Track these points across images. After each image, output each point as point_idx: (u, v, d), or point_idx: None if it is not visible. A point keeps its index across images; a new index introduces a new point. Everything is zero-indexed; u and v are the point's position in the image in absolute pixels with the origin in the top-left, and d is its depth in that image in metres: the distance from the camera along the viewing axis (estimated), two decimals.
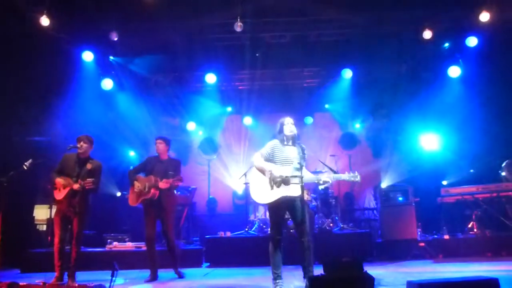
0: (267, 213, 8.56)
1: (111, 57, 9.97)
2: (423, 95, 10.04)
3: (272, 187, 5.13)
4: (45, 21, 7.92)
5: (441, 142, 10.36)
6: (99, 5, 8.06)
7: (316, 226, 8.42)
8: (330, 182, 5.32)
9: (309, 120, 11.41)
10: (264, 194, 5.20)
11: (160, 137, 6.84)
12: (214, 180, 11.63)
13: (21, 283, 5.07)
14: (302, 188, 5.08)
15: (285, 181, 5.11)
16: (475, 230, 8.25)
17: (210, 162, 11.74)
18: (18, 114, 8.63)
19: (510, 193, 8.11)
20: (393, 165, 10.62)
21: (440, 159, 10.20)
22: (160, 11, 8.27)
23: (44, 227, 8.88)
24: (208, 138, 11.94)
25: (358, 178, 5.23)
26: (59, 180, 6.15)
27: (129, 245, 8.27)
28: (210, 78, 10.35)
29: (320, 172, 8.42)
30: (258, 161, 5.32)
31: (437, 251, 7.86)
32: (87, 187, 6.00)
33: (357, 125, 11.76)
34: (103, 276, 6.27)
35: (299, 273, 5.32)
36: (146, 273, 6.57)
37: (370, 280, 4.32)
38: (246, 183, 9.41)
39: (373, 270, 4.88)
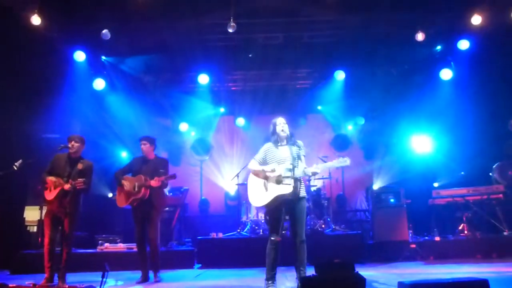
0: (259, 214, 8.66)
1: (103, 57, 9.91)
2: (415, 98, 10.10)
3: (266, 189, 5.19)
4: (36, 20, 7.83)
5: (432, 144, 10.43)
6: (91, 4, 8.01)
7: (308, 227, 8.41)
8: (319, 171, 5.30)
9: (301, 121, 11.43)
10: (260, 197, 5.26)
11: (143, 138, 6.65)
12: (207, 181, 11.63)
13: (10, 285, 5.03)
14: (296, 188, 5.09)
15: (278, 180, 5.15)
16: (465, 232, 8.29)
17: (203, 163, 11.74)
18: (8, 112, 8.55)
19: (500, 195, 8.17)
20: (385, 167, 10.68)
21: (431, 161, 10.27)
22: (153, 11, 8.22)
23: (35, 228, 8.79)
24: (200, 139, 11.93)
25: (347, 162, 5.20)
26: (51, 179, 6.10)
27: (121, 246, 8.23)
28: (203, 79, 10.32)
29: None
30: (253, 166, 5.40)
31: (428, 253, 7.88)
32: (78, 187, 5.96)
33: (350, 127, 11.81)
34: (94, 277, 6.24)
35: (291, 274, 5.36)
36: (138, 274, 6.52)
37: (362, 281, 4.34)
38: (238, 184, 9.43)
39: (364, 271, 4.91)
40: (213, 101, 11.47)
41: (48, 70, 8.73)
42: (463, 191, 8.48)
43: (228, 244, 8.30)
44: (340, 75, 10.29)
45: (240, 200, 9.53)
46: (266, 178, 5.25)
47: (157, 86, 10.80)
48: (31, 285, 5.58)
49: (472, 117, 9.30)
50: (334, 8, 8.33)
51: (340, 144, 11.58)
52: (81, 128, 8.91)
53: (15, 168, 6.02)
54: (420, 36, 8.72)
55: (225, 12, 8.33)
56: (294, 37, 9.55)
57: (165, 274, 7.17)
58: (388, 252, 8.04)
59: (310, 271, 4.67)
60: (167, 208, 8.86)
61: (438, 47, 9.76)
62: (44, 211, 6.72)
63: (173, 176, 6.35)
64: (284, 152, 5.30)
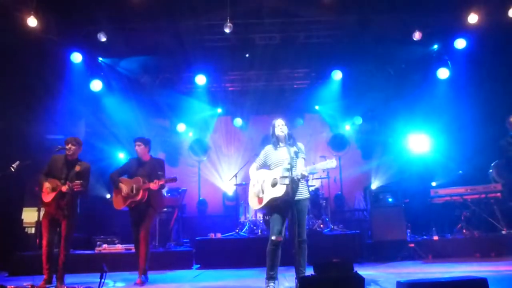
0: (258, 215, 8.66)
1: (100, 58, 9.90)
2: (412, 97, 10.13)
3: (262, 192, 5.29)
4: (32, 21, 7.81)
5: (430, 144, 10.44)
6: (88, 5, 7.99)
7: (307, 227, 8.35)
8: (307, 174, 5.28)
9: (299, 121, 11.43)
10: (257, 200, 5.37)
11: (138, 139, 6.58)
12: (205, 182, 11.62)
13: (9, 286, 5.04)
14: (295, 187, 5.13)
15: (273, 183, 5.23)
16: (464, 231, 8.30)
17: (200, 164, 11.72)
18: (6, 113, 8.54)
19: (498, 194, 8.15)
20: (383, 167, 10.68)
21: (429, 160, 10.28)
22: (150, 12, 8.23)
23: (33, 230, 8.76)
24: (198, 140, 11.92)
25: (334, 164, 5.16)
26: (47, 185, 6.09)
27: (119, 247, 8.20)
28: (200, 80, 10.30)
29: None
30: (252, 171, 5.56)
31: (427, 252, 7.89)
32: (75, 189, 5.93)
33: (347, 127, 11.81)
34: (92, 279, 6.25)
35: (290, 274, 5.35)
36: (136, 275, 6.46)
37: (360, 280, 4.34)
38: (236, 185, 9.42)
39: (363, 271, 4.92)
40: (210, 101, 11.46)
41: (45, 72, 8.70)
42: (461, 190, 8.47)
43: (227, 245, 8.28)
44: (337, 75, 10.29)
45: (238, 201, 9.53)
46: (263, 181, 5.32)
47: (154, 87, 10.76)
48: (29, 286, 5.59)
49: (470, 115, 9.31)
50: (331, 8, 8.33)
51: (338, 144, 11.59)
52: (79, 130, 8.89)
53: (13, 170, 6.01)
54: (417, 35, 8.73)
55: (222, 13, 8.33)
56: (291, 37, 9.55)
57: (163, 275, 7.20)
58: (387, 252, 8.02)
59: (309, 271, 4.67)
60: (165, 209, 8.89)
61: (435, 46, 9.77)
62: (42, 213, 6.70)
63: (174, 179, 6.31)
64: (283, 153, 5.33)
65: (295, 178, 5.12)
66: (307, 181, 5.53)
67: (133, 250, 6.67)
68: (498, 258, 7.37)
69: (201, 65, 10.15)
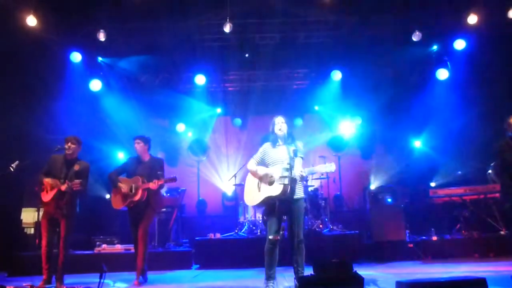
0: (257, 215, 8.65)
1: (100, 58, 9.89)
2: (412, 97, 10.16)
3: (259, 189, 5.26)
4: (32, 21, 7.80)
5: (429, 144, 10.44)
6: (87, 5, 7.98)
7: (306, 227, 8.40)
8: (305, 175, 5.27)
9: (298, 121, 11.43)
10: (253, 196, 5.34)
11: (138, 137, 6.53)
12: (204, 182, 11.60)
13: (8, 287, 5.01)
14: (293, 187, 5.12)
15: (270, 182, 5.20)
16: (463, 231, 8.31)
17: (200, 164, 11.70)
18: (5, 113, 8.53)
19: (497, 194, 8.16)
20: (382, 167, 10.68)
21: (428, 160, 10.28)
22: (149, 11, 8.23)
23: (32, 230, 8.74)
24: (197, 140, 11.90)
25: (333, 168, 5.14)
26: (47, 180, 6.07)
27: (118, 248, 8.17)
28: (200, 79, 10.28)
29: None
30: (250, 166, 5.46)
31: (426, 252, 7.88)
32: (74, 188, 5.92)
33: (347, 127, 11.78)
34: (91, 279, 6.24)
35: (289, 274, 5.36)
36: (135, 275, 6.48)
37: (360, 280, 4.35)
38: (235, 185, 9.42)
39: (362, 271, 4.92)
40: (210, 101, 11.45)
41: (44, 71, 8.70)
42: (460, 190, 8.49)
43: (226, 245, 8.26)
44: (337, 75, 10.28)
45: (237, 201, 9.52)
46: (260, 178, 5.29)
47: (154, 86, 10.76)
48: (29, 287, 5.58)
49: (469, 116, 9.33)
50: (331, 8, 8.34)
51: (337, 144, 11.56)
52: (78, 129, 8.86)
53: (12, 170, 5.99)
54: (416, 36, 8.73)
55: (222, 12, 8.35)
56: (291, 37, 9.55)
57: (162, 275, 7.19)
58: (386, 252, 8.01)
59: (308, 271, 4.67)
60: (164, 209, 8.83)
61: (435, 47, 9.78)
62: (41, 213, 6.70)
63: (173, 179, 6.25)
64: (281, 152, 5.31)
65: (294, 178, 5.11)
66: (306, 181, 5.53)
67: (133, 251, 6.62)
68: (497, 259, 7.38)
69: (200, 65, 10.14)
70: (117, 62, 10.07)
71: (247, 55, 10.01)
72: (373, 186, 10.09)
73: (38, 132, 8.76)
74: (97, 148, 9.65)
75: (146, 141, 6.52)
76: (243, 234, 8.64)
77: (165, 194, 9.32)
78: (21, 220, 8.95)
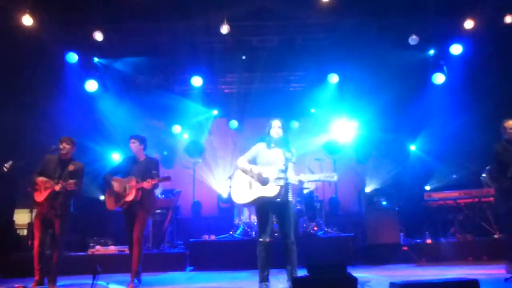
0: (252, 217, 8.64)
1: (96, 59, 9.85)
2: (408, 101, 10.16)
3: (250, 187, 5.23)
4: (27, 20, 7.76)
5: (425, 148, 10.45)
6: (84, 5, 7.96)
7: (301, 229, 8.42)
8: (305, 182, 5.33)
9: (294, 124, 11.41)
10: (243, 194, 5.29)
11: (133, 136, 6.49)
12: (199, 184, 11.55)
13: None
14: (287, 189, 5.13)
15: (264, 182, 5.16)
16: (457, 235, 8.31)
17: (195, 165, 11.66)
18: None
19: (491, 198, 8.19)
20: (378, 170, 10.67)
21: (424, 164, 10.29)
22: (146, 12, 8.21)
23: (25, 232, 8.66)
24: (193, 141, 11.86)
25: (334, 178, 5.12)
26: (41, 179, 6.04)
27: (112, 249, 8.15)
28: (196, 81, 10.24)
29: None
30: (241, 163, 5.42)
31: (420, 255, 7.88)
32: (68, 189, 5.91)
33: (343, 130, 11.76)
34: (84, 281, 6.19)
35: (283, 276, 5.35)
36: (129, 277, 6.44)
37: (353, 280, 4.36)
38: (231, 187, 9.38)
39: (356, 273, 4.91)
40: (206, 103, 11.40)
41: (40, 72, 8.66)
42: (454, 194, 8.50)
43: (221, 247, 8.26)
44: (333, 78, 10.27)
45: (232, 203, 9.46)
46: (252, 177, 5.25)
47: (150, 88, 10.72)
48: None
49: (464, 120, 9.35)
50: (328, 11, 8.34)
51: (333, 147, 11.54)
52: (73, 130, 8.83)
53: (5, 170, 5.97)
54: (413, 40, 8.75)
55: (219, 14, 8.34)
56: (288, 39, 9.52)
57: (156, 277, 7.17)
58: (381, 255, 8.03)
59: (302, 273, 4.67)
60: (159, 210, 8.83)
61: (431, 51, 9.79)
62: (34, 214, 6.67)
63: (167, 178, 6.22)
64: (276, 154, 5.31)
65: (293, 182, 5.14)
66: (302, 184, 5.51)
67: (127, 252, 6.58)
68: (490, 262, 7.37)
69: (197, 66, 10.10)
70: (113, 63, 10.04)
71: (244, 57, 9.98)
72: (368, 189, 10.08)
73: (33, 132, 8.73)
74: (92, 149, 9.62)
75: (142, 140, 6.48)
76: (238, 236, 8.62)
77: (160, 196, 9.30)
78: (14, 221, 8.88)
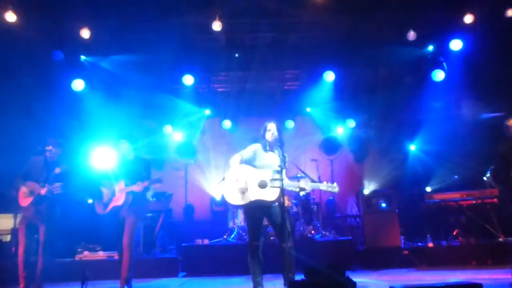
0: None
1: (83, 57, 9.59)
2: (407, 99, 10.06)
3: (246, 189, 5.14)
4: (11, 17, 7.55)
5: (424, 147, 10.33)
6: (70, 1, 7.75)
7: (297, 233, 8.34)
8: (308, 190, 5.32)
9: (290, 124, 11.25)
10: (238, 196, 5.17)
11: (123, 136, 6.35)
12: (192, 186, 11.37)
13: None
14: (282, 192, 5.05)
15: (261, 185, 5.10)
16: (459, 238, 8.18)
17: (188, 167, 11.46)
18: None
19: (494, 199, 8.10)
20: (376, 171, 10.54)
21: (424, 164, 10.17)
22: (136, 9, 8.03)
23: (8, 238, 8.39)
24: (185, 142, 11.64)
25: (336, 189, 5.30)
26: (23, 190, 5.92)
27: (101, 255, 8.01)
28: (188, 80, 10.04)
29: (301, 177, 8.27)
30: (236, 162, 5.32)
31: (421, 259, 7.76)
32: (55, 192, 5.82)
33: (339, 130, 11.62)
34: None
35: (280, 281, 5.26)
36: (119, 284, 6.20)
37: (352, 285, 4.31)
38: (224, 184, 9.16)
39: (355, 278, 4.96)
40: (198, 102, 11.23)
41: (24, 70, 8.42)
42: (456, 195, 8.39)
43: (214, 251, 8.13)
44: (329, 76, 10.11)
45: (226, 206, 9.29)
46: (246, 177, 5.15)
47: (139, 87, 10.46)
48: None
49: (465, 119, 9.22)
50: (322, 8, 8.20)
51: (329, 147, 11.38)
52: (59, 131, 8.58)
53: None
54: (411, 36, 8.63)
55: (211, 11, 8.22)
56: (282, 37, 9.37)
57: (148, 283, 7.09)
58: (380, 259, 7.89)
59: (299, 277, 4.65)
60: (150, 214, 8.73)
61: (430, 48, 9.66)
62: (18, 219, 6.50)
63: (158, 180, 6.12)
64: (272, 157, 5.28)
65: (295, 189, 5.19)
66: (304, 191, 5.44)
67: (116, 258, 6.49)
68: (495, 266, 7.27)
69: (189, 64, 9.92)
70: (101, 61, 9.79)
71: (237, 55, 9.83)
72: (366, 191, 9.88)
73: (17, 133, 8.46)
74: (79, 151, 9.35)
75: (131, 141, 6.32)
76: (232, 240, 8.50)
77: (151, 199, 9.11)
78: None
